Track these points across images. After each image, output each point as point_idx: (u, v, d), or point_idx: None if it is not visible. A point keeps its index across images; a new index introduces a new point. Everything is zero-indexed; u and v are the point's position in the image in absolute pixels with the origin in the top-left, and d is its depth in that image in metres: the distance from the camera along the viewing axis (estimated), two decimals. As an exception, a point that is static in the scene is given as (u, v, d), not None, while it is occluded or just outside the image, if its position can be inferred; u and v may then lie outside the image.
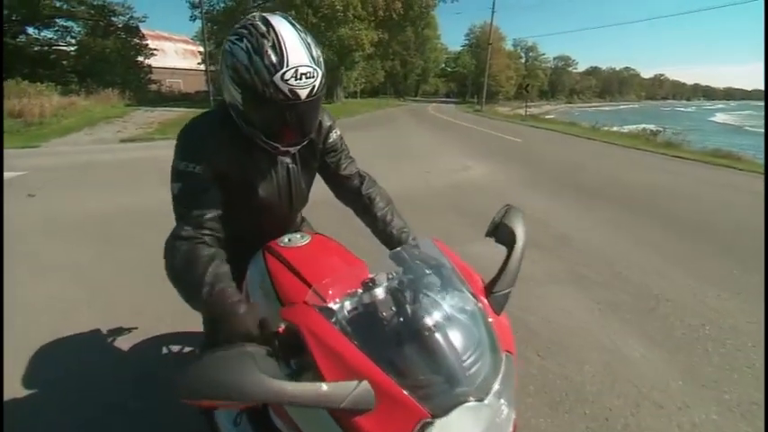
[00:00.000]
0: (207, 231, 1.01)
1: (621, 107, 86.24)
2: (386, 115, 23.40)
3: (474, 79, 60.36)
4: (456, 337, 0.78)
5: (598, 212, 5.35)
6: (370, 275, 0.96)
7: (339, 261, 1.21)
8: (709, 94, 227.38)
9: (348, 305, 0.89)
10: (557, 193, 6.34)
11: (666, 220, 5.09)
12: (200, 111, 1.27)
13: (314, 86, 0.97)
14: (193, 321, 2.58)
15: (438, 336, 0.76)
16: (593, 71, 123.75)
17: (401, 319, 0.80)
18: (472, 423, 0.70)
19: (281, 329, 0.82)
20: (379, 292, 0.92)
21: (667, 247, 4.14)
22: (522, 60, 75.91)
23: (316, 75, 0.96)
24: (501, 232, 0.99)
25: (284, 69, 0.92)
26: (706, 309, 2.96)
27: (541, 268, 3.54)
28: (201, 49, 33.52)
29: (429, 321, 0.78)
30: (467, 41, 66.76)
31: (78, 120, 13.81)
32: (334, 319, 0.81)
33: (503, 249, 0.98)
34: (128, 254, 3.59)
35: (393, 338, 0.77)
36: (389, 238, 1.26)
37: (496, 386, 0.75)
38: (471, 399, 0.71)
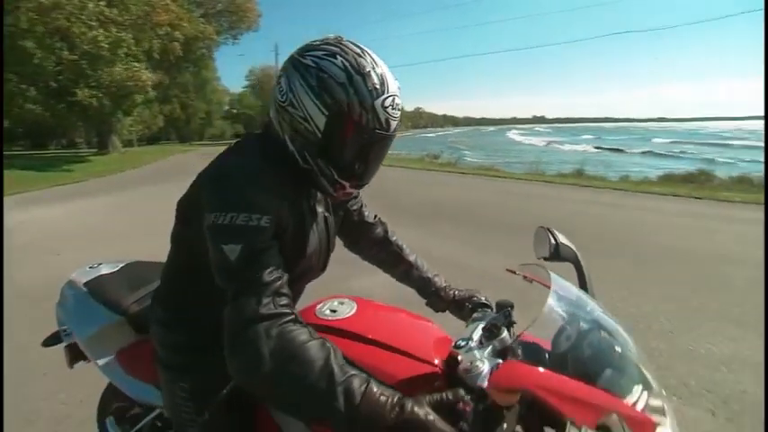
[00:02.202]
0: (285, 301, 0.75)
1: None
2: (179, 163, 21.06)
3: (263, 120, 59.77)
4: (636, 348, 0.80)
5: (438, 227, 6.02)
6: (484, 323, 0.92)
7: (414, 323, 1.07)
8: (455, 122, 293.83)
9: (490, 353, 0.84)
10: (391, 216, 6.84)
11: (483, 224, 6.14)
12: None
13: (399, 119, 0.88)
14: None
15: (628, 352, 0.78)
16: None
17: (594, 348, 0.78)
18: (670, 417, 0.74)
19: (466, 408, 0.69)
20: (505, 335, 0.89)
21: (504, 246, 4.91)
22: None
23: (401, 107, 0.88)
24: (562, 251, 1.03)
25: (385, 95, 0.82)
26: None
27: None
28: None
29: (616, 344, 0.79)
30: (248, 82, 65.44)
31: None
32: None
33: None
34: None
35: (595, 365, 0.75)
36: (426, 285, 1.22)
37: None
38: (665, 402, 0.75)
